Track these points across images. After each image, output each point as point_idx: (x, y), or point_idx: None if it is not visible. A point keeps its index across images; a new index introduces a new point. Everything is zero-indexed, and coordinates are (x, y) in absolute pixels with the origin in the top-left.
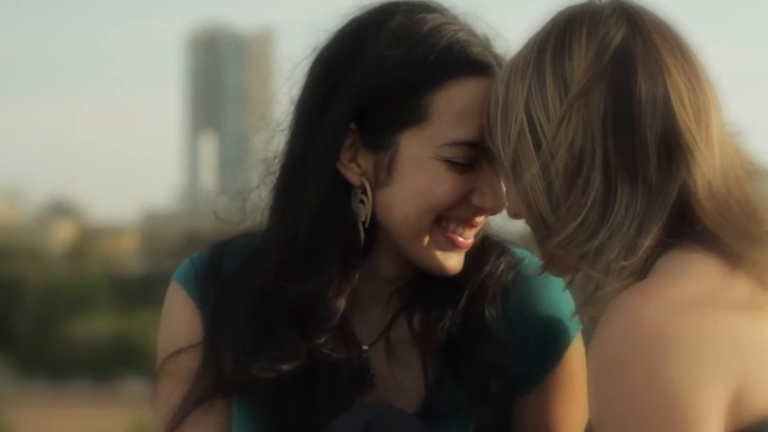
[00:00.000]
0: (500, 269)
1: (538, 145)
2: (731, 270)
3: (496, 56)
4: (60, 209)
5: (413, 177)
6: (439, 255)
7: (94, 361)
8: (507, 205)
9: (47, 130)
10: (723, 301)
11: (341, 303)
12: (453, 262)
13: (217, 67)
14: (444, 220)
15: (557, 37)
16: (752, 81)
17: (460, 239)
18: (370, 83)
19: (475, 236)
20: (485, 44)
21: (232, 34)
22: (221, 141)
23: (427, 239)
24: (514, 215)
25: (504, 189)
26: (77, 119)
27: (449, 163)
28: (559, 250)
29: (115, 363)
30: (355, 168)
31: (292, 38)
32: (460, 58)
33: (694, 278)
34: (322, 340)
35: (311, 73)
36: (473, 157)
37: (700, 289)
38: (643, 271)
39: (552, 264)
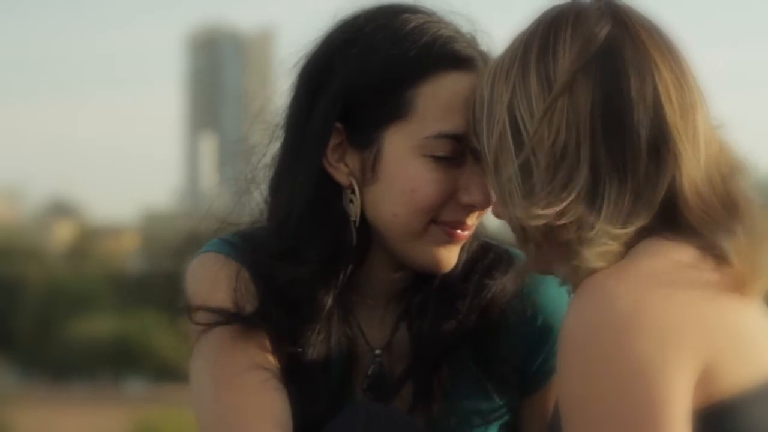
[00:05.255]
0: (508, 285)
1: (518, 145)
2: (705, 257)
3: (481, 53)
4: (60, 209)
5: (397, 175)
6: (434, 252)
7: (94, 361)
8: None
9: (47, 130)
10: (693, 282)
11: (328, 299)
12: (448, 258)
13: (217, 67)
14: (437, 225)
15: (542, 36)
16: (740, 83)
17: (458, 231)
18: (354, 81)
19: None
20: (470, 41)
21: (232, 34)
22: (221, 141)
23: (420, 238)
24: (497, 215)
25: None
26: (77, 119)
27: (433, 159)
28: (537, 249)
29: (115, 363)
30: (343, 168)
31: (292, 38)
32: (443, 52)
33: (665, 260)
34: (314, 336)
35: (299, 76)
36: (457, 152)
37: (671, 270)
38: (620, 257)
39: (534, 264)
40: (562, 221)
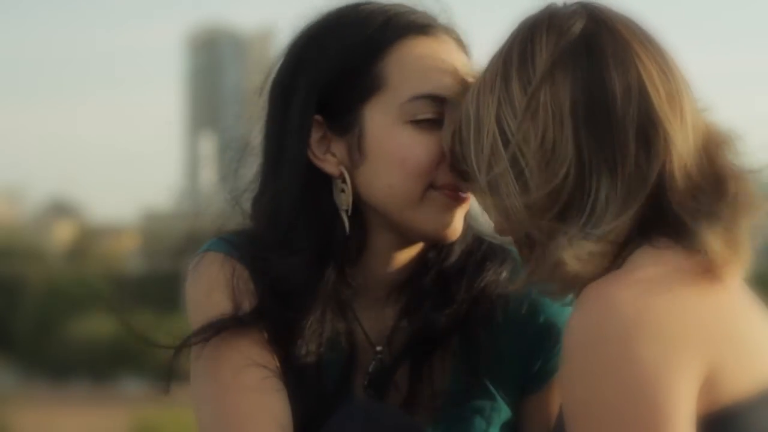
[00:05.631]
0: (502, 275)
1: (510, 152)
2: (700, 259)
3: (440, 23)
4: (60, 209)
5: (384, 148)
6: (437, 218)
7: (94, 361)
8: (491, 222)
9: (47, 130)
10: (692, 289)
11: (324, 292)
12: (452, 223)
13: (217, 67)
14: (436, 190)
15: (520, 46)
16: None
17: (459, 193)
18: (323, 73)
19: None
20: (426, 13)
21: (232, 34)
22: (221, 141)
23: (420, 206)
24: (500, 232)
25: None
26: (77, 119)
27: (415, 124)
28: (540, 253)
29: (115, 363)
30: (331, 158)
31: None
32: (401, 23)
33: (663, 268)
34: (312, 332)
35: (271, 85)
36: (437, 113)
37: (670, 277)
38: (616, 265)
39: (538, 272)
40: (559, 220)
